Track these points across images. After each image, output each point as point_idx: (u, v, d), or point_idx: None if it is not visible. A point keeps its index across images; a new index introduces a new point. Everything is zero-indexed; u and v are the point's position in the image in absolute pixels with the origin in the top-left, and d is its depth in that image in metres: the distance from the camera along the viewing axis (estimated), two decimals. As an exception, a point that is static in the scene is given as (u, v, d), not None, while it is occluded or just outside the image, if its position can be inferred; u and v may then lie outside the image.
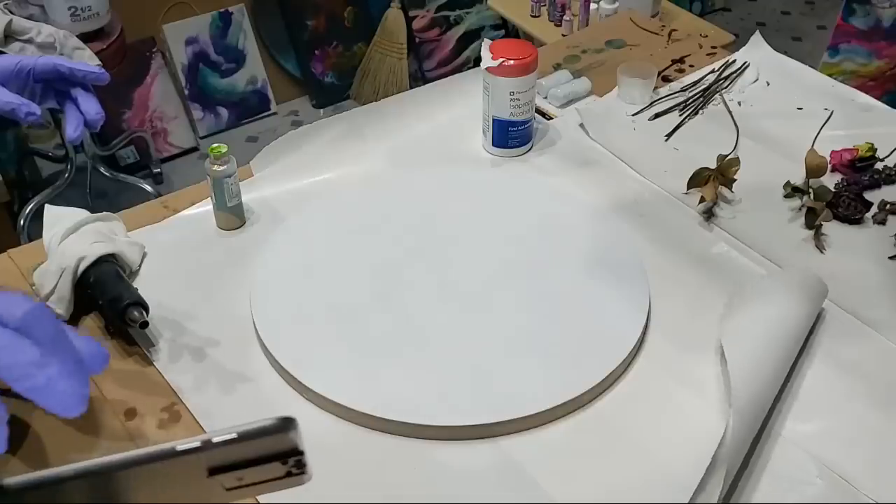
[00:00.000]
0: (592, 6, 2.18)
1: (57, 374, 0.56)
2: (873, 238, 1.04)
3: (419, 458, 0.79)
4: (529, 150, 1.18)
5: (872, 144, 1.14)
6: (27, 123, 0.78)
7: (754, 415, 0.78)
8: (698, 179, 1.08)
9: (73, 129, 0.79)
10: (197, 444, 0.47)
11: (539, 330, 0.90)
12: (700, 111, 1.25)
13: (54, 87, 0.81)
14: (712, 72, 1.33)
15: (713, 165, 1.08)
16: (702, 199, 1.06)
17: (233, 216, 1.03)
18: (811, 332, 0.90)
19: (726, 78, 1.31)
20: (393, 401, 0.82)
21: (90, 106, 0.80)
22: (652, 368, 0.88)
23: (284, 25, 2.77)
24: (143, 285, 0.92)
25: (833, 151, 1.13)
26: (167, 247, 1.01)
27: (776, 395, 0.83)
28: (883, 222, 1.06)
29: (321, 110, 2.83)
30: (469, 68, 1.98)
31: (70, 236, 0.93)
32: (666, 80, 1.32)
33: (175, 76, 2.63)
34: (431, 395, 0.83)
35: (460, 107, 1.24)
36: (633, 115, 1.24)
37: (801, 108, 1.25)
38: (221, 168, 0.99)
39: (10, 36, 1.72)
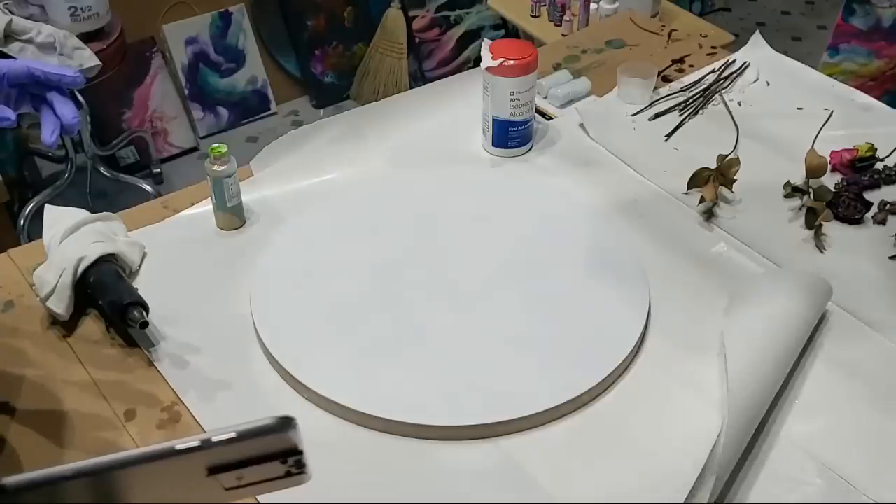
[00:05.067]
0: (592, 6, 2.18)
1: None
2: (873, 238, 1.04)
3: (419, 458, 0.79)
4: (529, 150, 1.18)
5: (872, 144, 1.14)
6: (3, 127, 0.77)
7: (752, 415, 0.78)
8: (698, 179, 1.08)
9: (48, 133, 0.78)
10: (196, 443, 0.47)
11: (539, 330, 0.90)
12: (700, 111, 1.25)
13: (30, 91, 0.80)
14: (712, 72, 1.32)
15: (713, 165, 1.08)
16: (702, 199, 1.06)
17: (233, 216, 1.03)
18: (813, 332, 0.90)
19: (726, 78, 1.31)
20: (393, 401, 0.82)
21: (66, 110, 0.78)
22: (652, 368, 0.87)
23: (284, 25, 2.77)
24: (143, 285, 0.92)
25: (833, 151, 1.13)
26: (167, 247, 1.01)
27: (776, 394, 0.83)
28: (883, 222, 1.06)
29: (321, 110, 2.82)
30: (469, 68, 1.98)
31: (70, 236, 0.93)
32: (666, 80, 1.32)
33: (175, 76, 2.62)
34: (431, 395, 0.83)
35: (460, 107, 1.23)
36: (633, 115, 1.24)
37: (801, 108, 1.25)
38: (221, 168, 0.99)
39: (10, 36, 1.73)
